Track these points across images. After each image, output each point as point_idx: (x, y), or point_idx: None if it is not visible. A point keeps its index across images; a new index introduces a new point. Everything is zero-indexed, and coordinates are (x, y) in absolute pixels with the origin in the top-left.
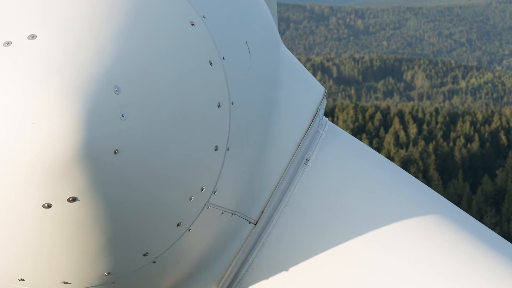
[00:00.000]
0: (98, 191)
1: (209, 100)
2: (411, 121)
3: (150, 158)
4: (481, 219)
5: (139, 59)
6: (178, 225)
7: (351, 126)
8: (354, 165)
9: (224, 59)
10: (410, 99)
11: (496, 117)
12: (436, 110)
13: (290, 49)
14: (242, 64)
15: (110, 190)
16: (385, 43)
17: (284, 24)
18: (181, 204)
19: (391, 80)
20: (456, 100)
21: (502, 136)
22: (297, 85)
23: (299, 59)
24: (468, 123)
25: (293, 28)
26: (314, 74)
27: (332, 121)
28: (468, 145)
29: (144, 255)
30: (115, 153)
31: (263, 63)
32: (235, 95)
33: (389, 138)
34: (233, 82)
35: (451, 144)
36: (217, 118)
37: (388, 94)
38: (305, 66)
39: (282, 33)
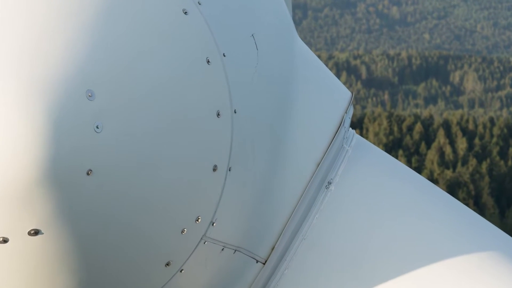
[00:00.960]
0: (67, 222)
1: (206, 107)
2: (459, 134)
3: (132, 180)
4: None
5: (118, 56)
6: (167, 264)
7: (385, 140)
8: (388, 189)
9: (224, 56)
10: (458, 106)
11: None
12: (491, 121)
13: (308, 43)
14: (247, 62)
15: (82, 221)
16: (427, 36)
17: (301, 13)
18: (171, 238)
19: (434, 82)
20: None
21: None
22: (317, 89)
23: (319, 57)
24: None
25: (312, 17)
26: (338, 75)
27: (361, 134)
28: None
29: None
30: (88, 174)
31: (274, 61)
32: (239, 101)
33: (432, 156)
34: (236, 85)
35: (509, 162)
36: (215, 131)
37: (430, 100)
38: (326, 65)
39: (297, 23)
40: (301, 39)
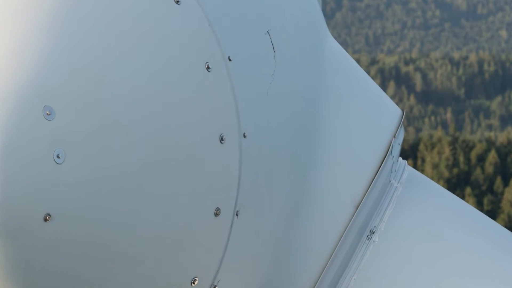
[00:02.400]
0: (18, 280)
1: (205, 130)
2: None
3: (105, 229)
4: None
5: (86, 60)
6: None
7: (447, 174)
8: (452, 242)
9: (230, 60)
10: None
11: None
12: None
13: (343, 43)
14: (261, 69)
15: (38, 281)
16: (503, 33)
17: (333, 2)
18: None
19: None
20: None
21: None
22: (355, 106)
23: (358, 61)
24: None
25: (349, 8)
26: (384, 86)
27: (415, 166)
28: None
29: None
30: (45, 220)
31: (297, 67)
32: (250, 122)
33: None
34: (246, 100)
35: None
36: (218, 161)
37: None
38: (368, 72)
39: (329, 16)
40: (334, 37)
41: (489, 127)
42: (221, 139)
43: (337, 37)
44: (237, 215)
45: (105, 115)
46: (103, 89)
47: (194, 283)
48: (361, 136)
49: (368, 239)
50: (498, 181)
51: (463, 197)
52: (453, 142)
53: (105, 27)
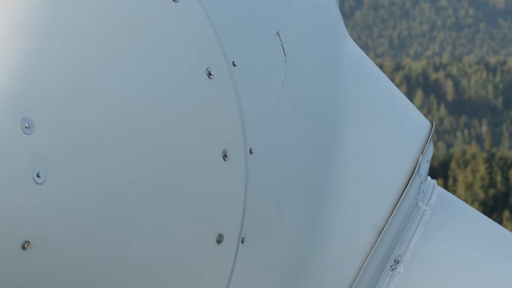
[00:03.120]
0: None
1: (206, 146)
2: None
3: (89, 258)
4: None
5: (70, 66)
6: None
7: (482, 195)
8: (488, 274)
9: (235, 66)
10: None
11: None
12: None
13: (363, 46)
14: (270, 76)
15: None
16: None
17: (353, 0)
18: None
19: None
20: None
21: None
22: (377, 118)
23: (381, 67)
24: None
25: (370, 5)
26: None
27: (445, 187)
28: None
29: None
30: (24, 248)
31: (311, 74)
32: (257, 136)
33: None
34: (253, 112)
35: None
36: (221, 182)
37: None
38: (392, 79)
39: (348, 15)
40: (353, 39)
41: None
42: (224, 156)
43: (357, 39)
44: (242, 242)
45: (92, 129)
46: (90, 99)
47: None
48: (384, 152)
49: (392, 270)
50: None
51: (500, 222)
52: (489, 159)
53: (91, 27)
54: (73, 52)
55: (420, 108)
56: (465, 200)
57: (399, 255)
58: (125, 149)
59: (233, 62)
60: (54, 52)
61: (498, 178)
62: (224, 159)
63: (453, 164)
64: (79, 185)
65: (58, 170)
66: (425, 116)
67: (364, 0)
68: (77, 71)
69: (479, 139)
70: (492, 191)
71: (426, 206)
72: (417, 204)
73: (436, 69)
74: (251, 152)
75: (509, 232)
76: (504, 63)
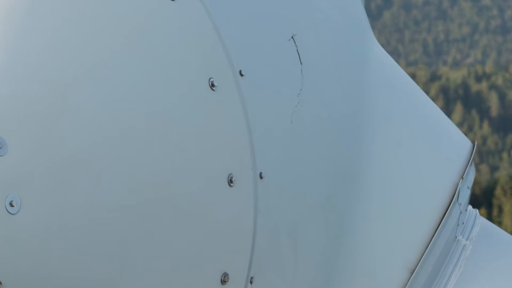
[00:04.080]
0: None
1: (209, 169)
2: None
3: None
4: None
5: (50, 77)
6: None
7: None
8: None
9: (242, 75)
10: None
11: None
12: None
13: (393, 52)
14: (282, 88)
15: None
16: None
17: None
18: None
19: None
20: None
21: None
22: (409, 137)
23: (413, 76)
24: None
25: (400, 5)
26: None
27: (489, 217)
28: None
29: None
30: None
31: (331, 85)
32: (268, 158)
33: None
34: (263, 130)
35: None
36: (226, 211)
37: None
38: (426, 91)
39: (375, 17)
40: (381, 44)
41: None
42: (230, 181)
43: (386, 45)
44: (251, 282)
45: (76, 149)
46: (74, 114)
47: None
48: (418, 177)
49: None
50: None
51: None
52: None
53: (77, 29)
54: (54, 59)
55: (459, 125)
56: None
57: None
58: (114, 173)
59: (240, 71)
60: (31, 59)
61: None
62: (230, 185)
63: (498, 191)
64: (60, 215)
65: (34, 198)
66: (466, 134)
67: (393, 1)
68: (58, 82)
69: None
70: None
71: (466, 240)
72: (456, 237)
73: (478, 79)
74: (261, 177)
75: None
76: None
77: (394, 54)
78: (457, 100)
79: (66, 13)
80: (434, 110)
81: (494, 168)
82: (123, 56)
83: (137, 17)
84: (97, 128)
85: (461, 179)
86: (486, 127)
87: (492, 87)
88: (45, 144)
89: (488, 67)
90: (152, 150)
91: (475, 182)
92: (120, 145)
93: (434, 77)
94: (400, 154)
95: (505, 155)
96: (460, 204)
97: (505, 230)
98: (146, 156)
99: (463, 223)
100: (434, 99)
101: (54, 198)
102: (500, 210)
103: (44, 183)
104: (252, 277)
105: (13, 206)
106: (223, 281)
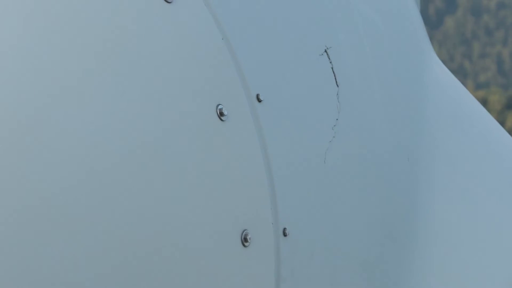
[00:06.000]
0: None
1: (216, 224)
2: None
3: None
4: None
5: (13, 101)
6: None
7: None
8: None
9: (260, 101)
10: None
11: None
12: None
13: (456, 71)
14: (312, 117)
15: None
16: None
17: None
18: None
19: None
20: None
21: None
22: (481, 182)
23: (483, 102)
24: None
25: (467, 9)
26: None
27: None
28: None
29: None
30: None
31: (378, 113)
32: (294, 211)
33: None
34: (287, 173)
35: None
36: (238, 277)
37: None
38: (501, 122)
39: (434, 25)
40: (443, 60)
41: None
42: (244, 240)
43: (448, 61)
44: None
45: (45, 201)
46: (43, 151)
47: None
48: (492, 242)
49: None
50: None
51: None
52: None
53: (49, 40)
54: (18, 80)
55: None
56: None
57: None
58: (97, 232)
59: (257, 95)
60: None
61: None
62: (244, 245)
63: None
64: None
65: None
66: None
67: (459, 0)
68: (24, 109)
69: None
70: None
71: None
72: None
73: None
74: (284, 234)
75: None
76: None
77: (460, 73)
78: None
79: (39, 17)
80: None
81: None
82: (104, 74)
83: (123, 23)
84: (72, 171)
85: None
86: None
87: None
88: (4, 193)
89: None
90: (143, 198)
91: None
92: (102, 195)
93: (511, 103)
94: (470, 206)
95: None
96: None
97: None
98: (134, 205)
99: None
100: (510, 131)
101: (20, 261)
102: None
103: (4, 242)
104: None
105: None
106: None
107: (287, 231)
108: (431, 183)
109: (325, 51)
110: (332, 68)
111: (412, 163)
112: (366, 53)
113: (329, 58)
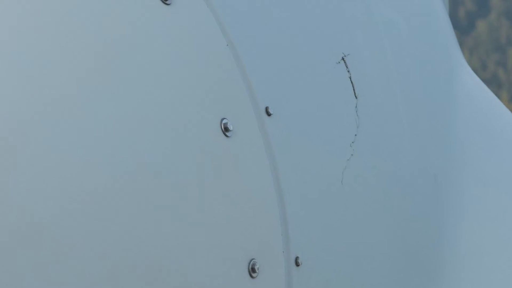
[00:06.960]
0: None
1: (221, 253)
2: None
3: None
4: None
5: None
6: None
7: None
8: None
9: (269, 115)
10: None
11: None
12: None
13: (489, 81)
14: (328, 132)
15: None
16: None
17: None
18: None
19: None
20: None
21: None
22: None
23: None
24: None
25: (502, 12)
26: None
27: None
28: None
29: None
30: None
31: (401, 127)
32: (307, 237)
33: None
34: (300, 195)
35: None
36: None
37: None
38: None
39: (465, 29)
40: (474, 69)
41: None
42: (252, 270)
43: (480, 69)
44: None
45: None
46: (25, 174)
47: None
48: None
49: None
50: None
51: None
52: None
53: (36, 47)
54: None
55: None
56: None
57: None
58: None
59: (266, 108)
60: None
61: None
62: (252, 276)
63: None
64: None
65: None
66: None
67: (492, 2)
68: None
69: None
70: None
71: None
72: None
73: None
74: (297, 264)
75: None
76: None
77: (493, 83)
78: None
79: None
80: None
81: None
82: (94, 86)
83: (114, 27)
84: (61, 197)
85: None
86: None
87: None
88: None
89: None
90: (138, 223)
91: None
92: (94, 220)
93: None
94: (502, 235)
95: None
96: None
97: None
98: (130, 232)
99: None
100: None
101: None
102: None
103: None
104: None
105: None
106: None
107: (299, 260)
108: (460, 205)
109: (342, 58)
110: (350, 78)
111: (439, 183)
112: (388, 60)
113: (346, 67)
